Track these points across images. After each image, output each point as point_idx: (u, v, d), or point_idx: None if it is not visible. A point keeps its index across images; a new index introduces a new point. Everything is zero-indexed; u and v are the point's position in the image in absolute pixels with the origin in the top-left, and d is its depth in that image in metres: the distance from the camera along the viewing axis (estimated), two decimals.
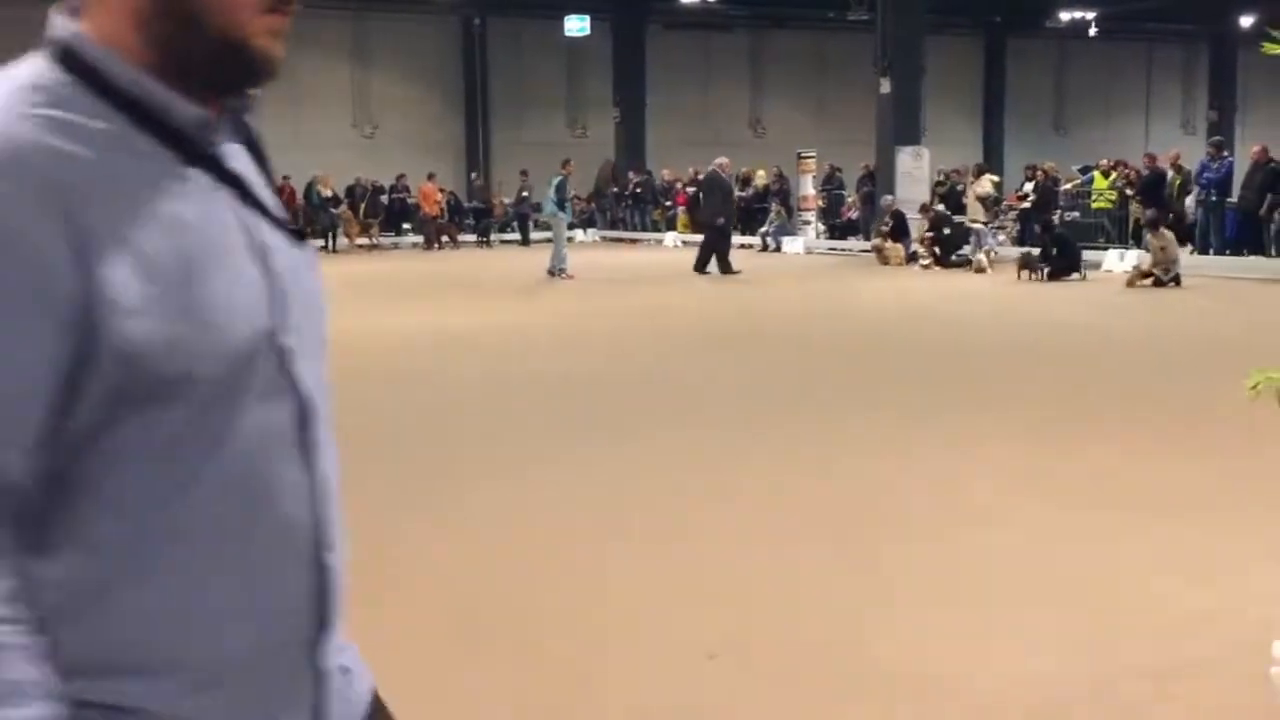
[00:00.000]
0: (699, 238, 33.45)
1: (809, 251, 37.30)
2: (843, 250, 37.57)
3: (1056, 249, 27.25)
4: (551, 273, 29.00)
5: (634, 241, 44.29)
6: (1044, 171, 34.30)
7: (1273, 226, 28.29)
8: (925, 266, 30.53)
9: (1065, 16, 52.63)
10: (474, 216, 45.73)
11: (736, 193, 34.92)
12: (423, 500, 9.09)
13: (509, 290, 26.46)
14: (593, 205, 47.60)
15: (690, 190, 42.25)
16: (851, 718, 5.58)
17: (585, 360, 16.19)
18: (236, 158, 1.88)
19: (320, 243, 42.11)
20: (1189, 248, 29.56)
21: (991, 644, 6.32)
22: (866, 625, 6.65)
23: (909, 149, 35.93)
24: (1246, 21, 47.80)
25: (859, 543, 8.07)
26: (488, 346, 17.55)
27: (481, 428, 11.90)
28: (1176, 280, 24.87)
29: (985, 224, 31.59)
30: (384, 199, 44.25)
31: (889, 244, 32.60)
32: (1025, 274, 26.86)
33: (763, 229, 38.54)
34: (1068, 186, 35.12)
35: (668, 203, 45.39)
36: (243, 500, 1.78)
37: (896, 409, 12.40)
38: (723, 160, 31.21)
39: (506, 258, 37.86)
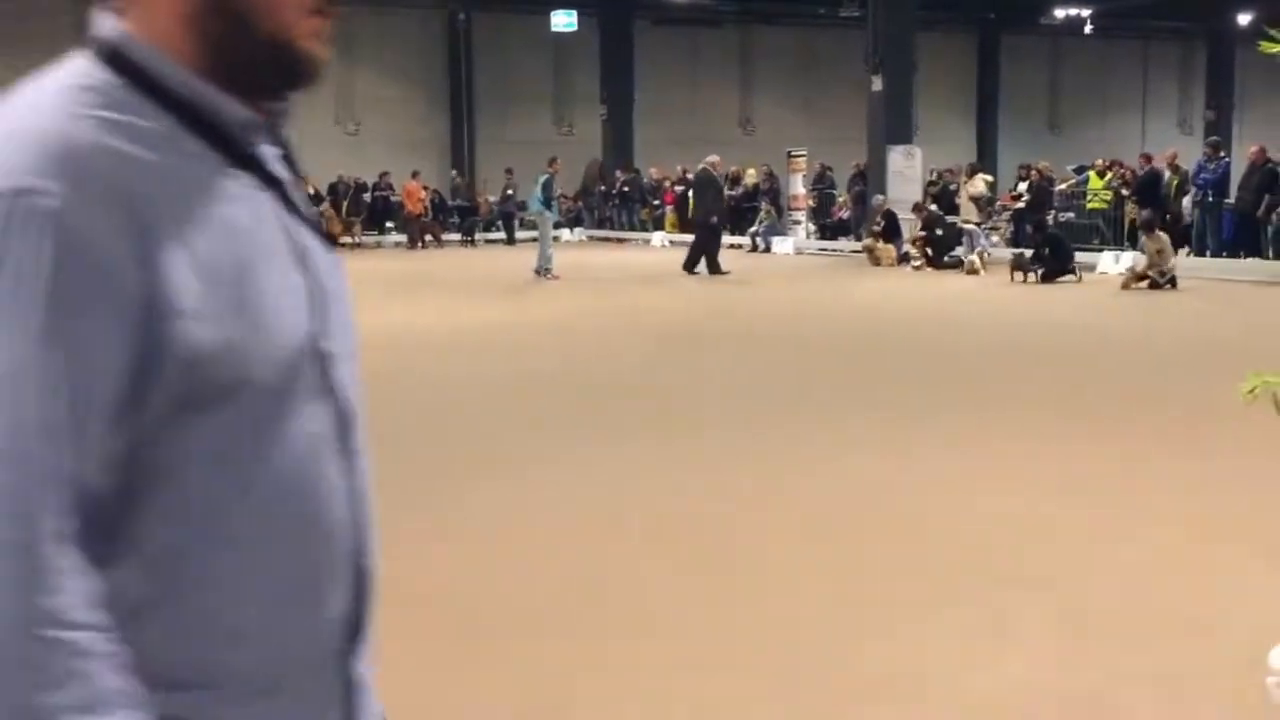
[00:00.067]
0: (687, 237, 33.46)
1: (799, 252, 37.28)
2: (833, 251, 37.54)
3: (1049, 250, 27.26)
4: (539, 272, 28.98)
5: (621, 241, 44.25)
6: (1038, 171, 34.26)
7: (1270, 228, 28.29)
8: (917, 268, 30.54)
9: (1060, 13, 52.65)
10: (458, 215, 45.69)
11: (726, 192, 34.91)
12: (421, 500, 9.13)
13: (495, 290, 26.44)
14: (579, 204, 47.54)
15: (678, 189, 42.24)
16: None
17: (576, 361, 16.23)
18: (274, 160, 1.88)
19: None
20: (1185, 249, 29.62)
21: (988, 648, 6.39)
22: (862, 627, 6.71)
23: (901, 148, 35.96)
24: (1244, 19, 47.75)
25: (855, 544, 8.14)
26: (475, 347, 17.59)
27: (476, 428, 11.95)
28: (1172, 282, 24.89)
29: (978, 224, 31.59)
30: (367, 197, 44.25)
31: (881, 244, 32.63)
32: (1018, 276, 26.85)
33: (752, 229, 38.51)
34: (1062, 187, 35.09)
35: (655, 202, 45.36)
36: (291, 507, 1.80)
37: (891, 410, 12.46)
38: (714, 158, 31.22)
39: (491, 257, 37.80)
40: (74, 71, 1.73)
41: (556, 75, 53.23)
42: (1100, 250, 30.35)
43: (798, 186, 40.40)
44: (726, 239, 32.94)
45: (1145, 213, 27.33)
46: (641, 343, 18.19)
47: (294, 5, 1.81)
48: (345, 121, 49.65)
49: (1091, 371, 15.01)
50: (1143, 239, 26.63)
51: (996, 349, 17.26)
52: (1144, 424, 11.74)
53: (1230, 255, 29.17)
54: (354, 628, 1.91)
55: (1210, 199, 30.01)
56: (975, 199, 31.92)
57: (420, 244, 41.52)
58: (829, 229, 40.62)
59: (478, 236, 44.15)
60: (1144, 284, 24.92)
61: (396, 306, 22.73)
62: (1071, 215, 33.68)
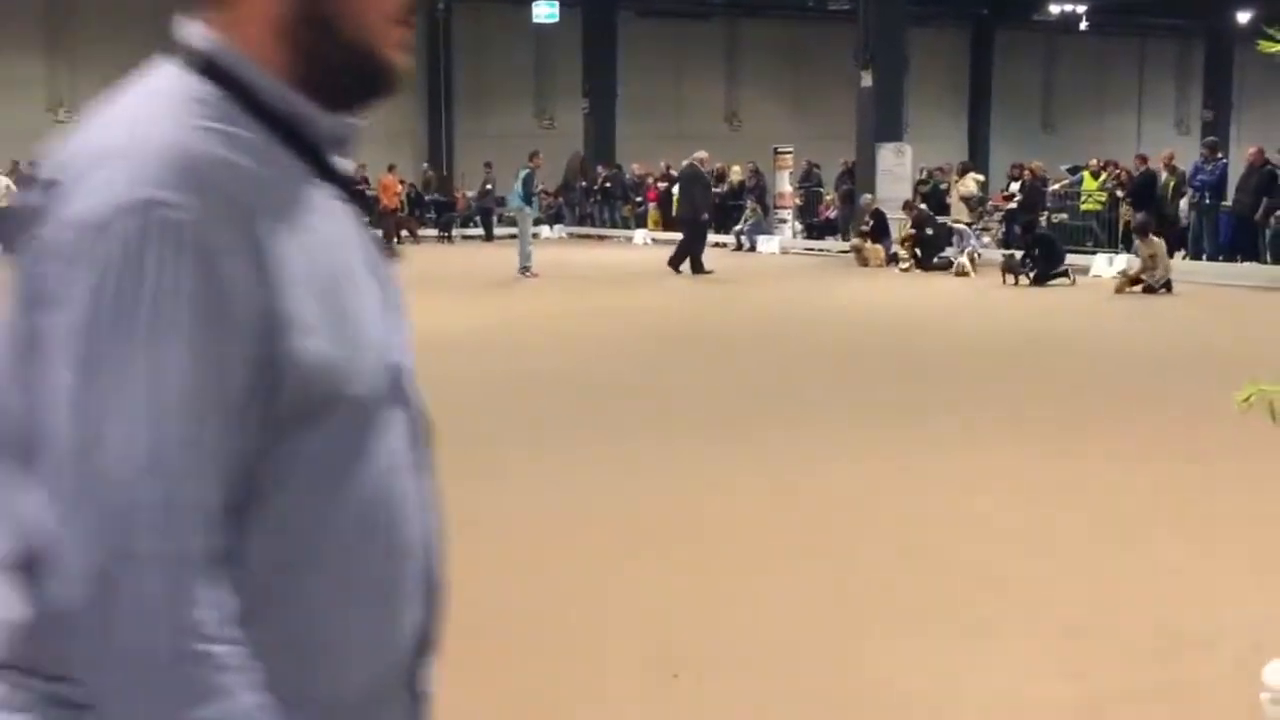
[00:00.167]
0: (670, 235, 33.44)
1: (785, 251, 37.28)
2: (820, 251, 37.55)
3: (1039, 251, 27.28)
4: (523, 271, 28.85)
5: (602, 238, 44.24)
6: (1031, 171, 34.27)
7: (1268, 232, 28.35)
8: (905, 269, 30.54)
9: (1055, 9, 52.78)
10: (435, 210, 45.64)
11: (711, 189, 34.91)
12: None
13: (473, 288, 26.39)
14: (560, 200, 47.51)
15: (662, 186, 42.25)
16: None
17: (553, 361, 16.20)
18: (345, 170, 1.92)
19: None
20: (1181, 252, 29.66)
21: (976, 663, 6.39)
22: (845, 642, 6.71)
23: (890, 145, 35.97)
24: (1244, 17, 47.84)
25: (838, 555, 8.14)
26: (453, 346, 17.54)
27: (453, 429, 11.94)
28: (1168, 287, 24.89)
29: (969, 225, 31.63)
30: None
31: (869, 244, 32.63)
32: (1009, 278, 26.87)
33: (737, 227, 38.50)
34: (1055, 187, 35.12)
35: (638, 199, 45.36)
36: (374, 523, 1.83)
37: (881, 414, 12.46)
38: (701, 154, 31.24)
39: (469, 254, 37.78)
40: (174, 81, 1.78)
41: (538, 67, 53.25)
42: (1094, 253, 30.35)
43: (784, 184, 40.40)
44: (711, 237, 32.91)
45: (1140, 215, 27.33)
46: (623, 344, 18.19)
47: (380, 15, 1.85)
48: None
49: (1083, 378, 15.02)
50: (1136, 243, 26.64)
51: (986, 353, 17.27)
52: (1138, 432, 11.76)
53: (1227, 259, 29.21)
54: (424, 643, 1.97)
55: (1207, 201, 30.06)
56: (966, 199, 31.99)
57: (396, 239, 41.45)
58: (816, 228, 40.66)
59: (455, 233, 44.11)
60: (1138, 288, 24.92)
61: None
62: (1065, 216, 33.68)
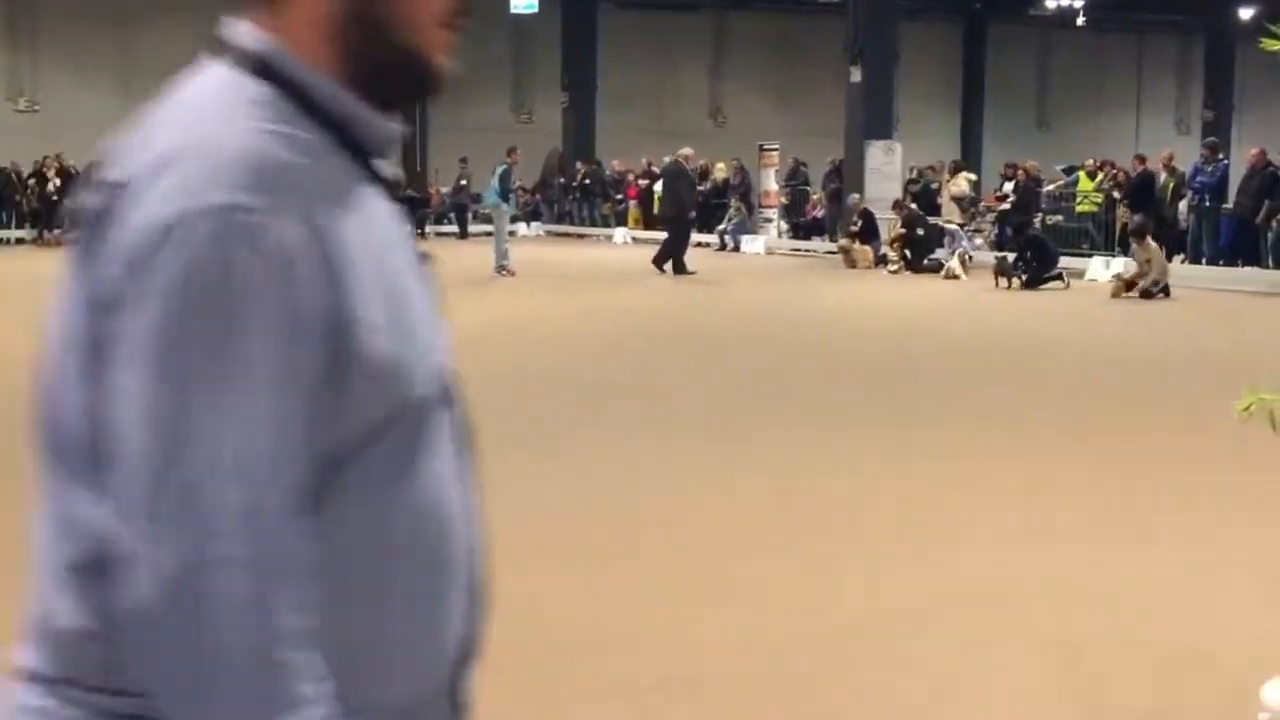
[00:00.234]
0: (650, 234, 33.37)
1: (770, 252, 37.25)
2: (806, 251, 37.55)
3: (1031, 254, 27.32)
4: (500, 270, 28.82)
5: (581, 237, 44.22)
6: (1025, 171, 34.31)
7: (1269, 235, 28.39)
8: (894, 271, 30.56)
9: (1051, 4, 52.74)
10: (408, 206, 45.51)
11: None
12: None
13: (450, 287, 26.13)
14: (538, 197, 47.43)
15: (643, 183, 42.23)
16: None
17: (537, 361, 16.18)
18: (389, 172, 1.97)
19: None
20: (1180, 256, 29.69)
21: (969, 681, 6.40)
22: (832, 657, 6.72)
23: (880, 143, 35.98)
24: (1246, 14, 47.95)
25: (824, 565, 8.14)
26: None
27: None
28: (1165, 291, 24.94)
29: (961, 226, 31.65)
30: None
31: (857, 245, 32.61)
32: (1002, 281, 26.91)
33: (721, 227, 38.47)
34: (1050, 188, 35.15)
35: (618, 196, 45.29)
36: (423, 531, 1.87)
37: (871, 420, 12.48)
38: (687, 151, 31.26)
39: (444, 252, 37.28)
40: (230, 83, 1.82)
41: (516, 59, 53.16)
42: (1090, 256, 30.36)
43: (770, 182, 40.36)
44: (693, 237, 32.88)
45: (1137, 217, 27.36)
46: (611, 344, 18.21)
47: (428, 18, 1.89)
48: None
49: (1077, 386, 15.05)
50: (1133, 247, 26.68)
51: (978, 359, 17.29)
52: (1134, 443, 11.78)
53: (1227, 263, 29.17)
54: (466, 653, 2.00)
55: (1207, 203, 30.08)
56: (957, 199, 31.97)
57: None
58: (802, 228, 40.61)
59: (429, 230, 44.04)
60: (1134, 293, 24.93)
61: None
62: (1060, 218, 33.71)
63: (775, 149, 40.54)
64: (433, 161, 48.83)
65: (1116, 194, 32.31)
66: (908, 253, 30.78)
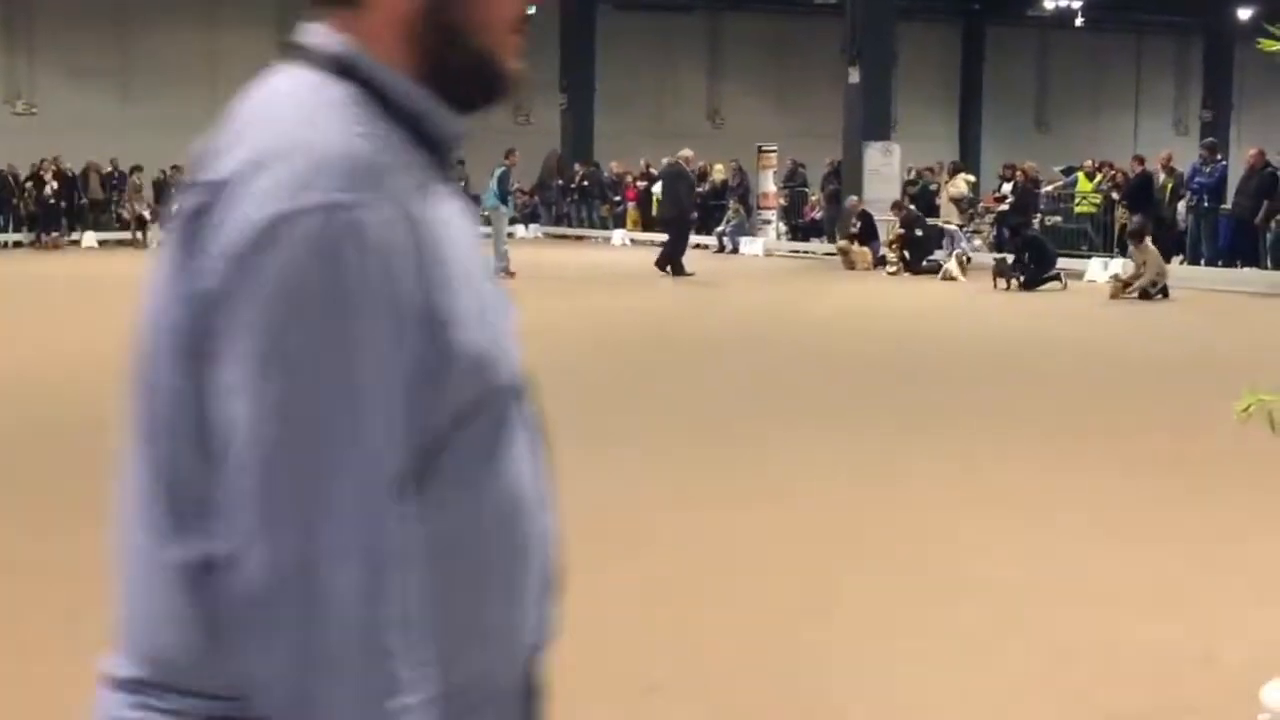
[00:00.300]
0: (649, 236, 33.28)
1: (769, 253, 37.22)
2: (805, 253, 37.53)
3: (1029, 255, 27.31)
4: (503, 273, 28.80)
5: (579, 239, 44.18)
6: (1023, 172, 34.26)
7: (1268, 236, 28.39)
8: (893, 272, 30.54)
9: (1050, 4, 52.77)
10: None
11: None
12: None
13: None
14: (536, 199, 47.37)
15: (641, 185, 42.20)
16: None
17: (527, 364, 16.15)
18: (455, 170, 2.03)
19: None
20: (1179, 257, 29.68)
21: (969, 686, 6.41)
22: (832, 657, 6.73)
23: (878, 144, 35.95)
24: (1244, 14, 47.94)
25: (824, 565, 8.16)
26: None
27: None
28: (1164, 292, 24.95)
29: (960, 227, 31.63)
30: None
31: (856, 247, 32.58)
32: (1000, 282, 26.91)
33: (719, 228, 38.42)
34: (1049, 189, 35.11)
35: (616, 198, 45.23)
36: (504, 518, 1.92)
37: (868, 422, 12.48)
38: (687, 153, 31.24)
39: None
40: (314, 84, 1.86)
41: None
42: (1089, 257, 30.33)
43: (768, 184, 40.31)
44: (692, 238, 32.84)
45: (1136, 218, 27.35)
46: (610, 346, 18.19)
47: (500, 23, 1.94)
48: None
49: (1077, 387, 15.06)
50: (1131, 249, 26.66)
51: (977, 360, 17.30)
52: (1133, 444, 11.79)
53: (1226, 264, 29.17)
54: (541, 640, 2.05)
55: (1206, 204, 30.02)
56: (956, 200, 31.96)
57: None
58: (801, 230, 40.57)
59: None
60: (1133, 293, 24.92)
61: None
62: (1059, 219, 33.64)
63: (773, 150, 40.48)
64: None
65: (1115, 195, 32.24)
66: (906, 254, 30.75)
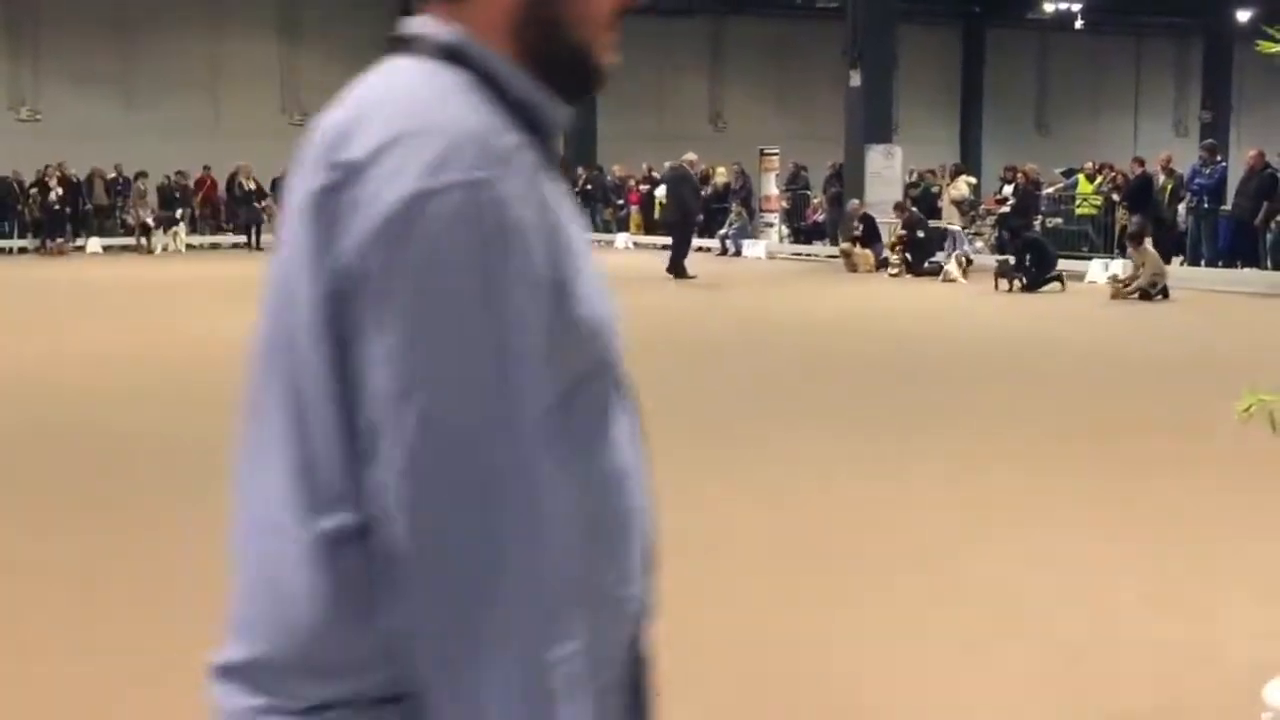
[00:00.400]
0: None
1: (771, 256, 37.25)
2: (808, 255, 37.55)
3: (1030, 256, 27.31)
4: None
5: None
6: (1024, 174, 34.27)
7: (1268, 237, 28.39)
8: (894, 274, 30.54)
9: (1049, 7, 52.87)
10: None
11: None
12: None
13: None
14: None
15: (644, 188, 42.23)
16: None
17: None
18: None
19: (242, 239, 41.96)
20: (1179, 258, 29.68)
21: (969, 682, 6.39)
22: (832, 658, 6.71)
23: (880, 147, 35.99)
24: (1244, 16, 47.95)
25: (825, 566, 8.14)
26: None
27: None
28: (1164, 293, 24.95)
29: (962, 229, 31.63)
30: None
31: (858, 249, 32.59)
32: (1003, 283, 26.90)
33: (722, 231, 38.44)
34: (1050, 191, 35.13)
35: (619, 201, 45.27)
36: (616, 486, 1.97)
37: (871, 424, 12.48)
38: (691, 156, 31.31)
39: None
40: (431, 71, 1.91)
41: None
42: (1089, 258, 30.35)
43: (770, 187, 40.34)
44: (695, 241, 32.84)
45: (1136, 219, 27.34)
46: None
47: (597, 19, 2.02)
48: (291, 110, 49.27)
49: (1079, 389, 15.05)
50: (1130, 250, 26.67)
51: (979, 361, 17.31)
52: (1135, 443, 11.78)
53: (1226, 265, 29.18)
54: (645, 608, 2.07)
55: (1206, 205, 30.03)
56: (957, 203, 31.97)
57: None
58: (803, 232, 40.57)
59: None
60: (1133, 293, 24.90)
61: None
62: (1060, 221, 33.67)
63: (775, 153, 40.51)
64: None
65: (1115, 196, 32.25)
66: (908, 256, 30.75)
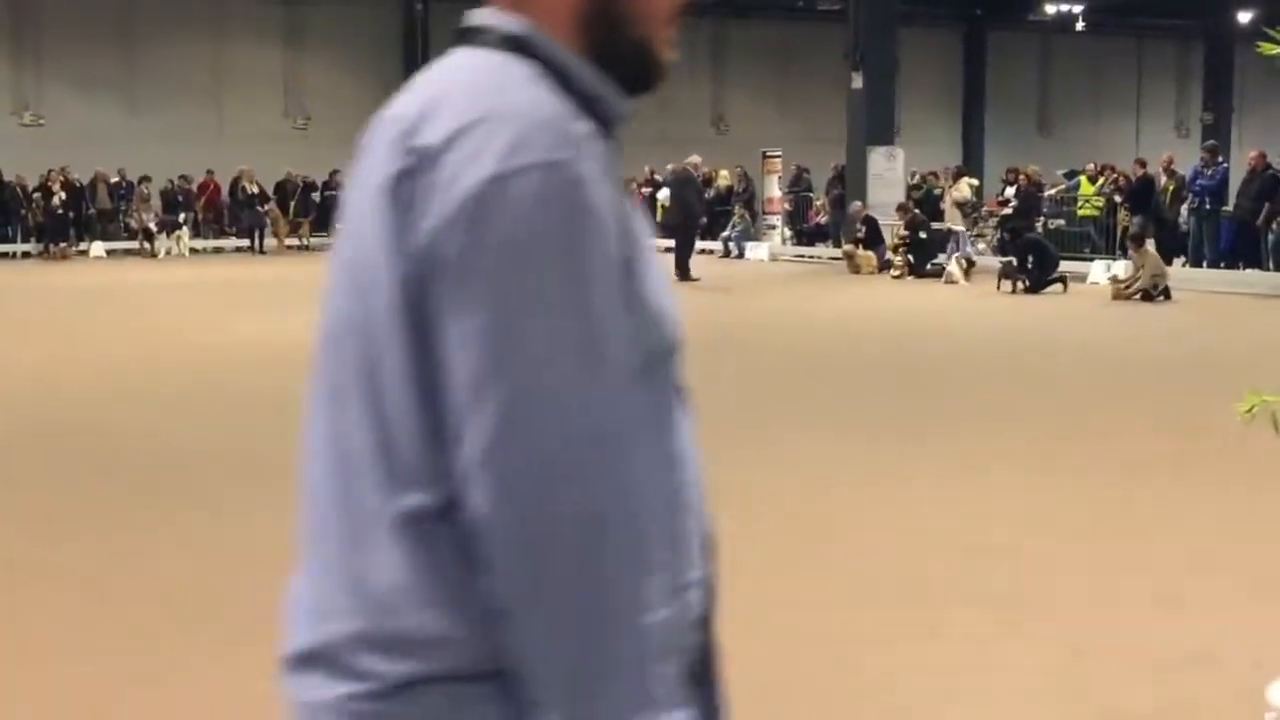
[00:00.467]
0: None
1: (774, 258, 37.29)
2: (810, 258, 37.56)
3: (1033, 258, 27.31)
4: None
5: None
6: (1026, 175, 34.25)
7: (1270, 238, 28.35)
8: (897, 276, 30.54)
9: (1050, 9, 52.84)
10: None
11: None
12: None
13: None
14: None
15: (646, 191, 42.25)
16: None
17: None
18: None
19: (245, 243, 41.98)
20: (1181, 259, 29.68)
21: (970, 681, 6.39)
22: (832, 658, 6.71)
23: (882, 149, 36.01)
24: (1245, 17, 47.93)
25: (825, 566, 8.14)
26: None
27: None
28: (1166, 294, 24.96)
29: (964, 230, 31.62)
30: (316, 196, 43.87)
31: (861, 251, 32.60)
32: (1005, 285, 26.90)
33: (724, 234, 38.46)
34: (1052, 192, 35.14)
35: None
36: (679, 469, 2.02)
37: (874, 426, 12.47)
38: (695, 159, 31.35)
39: None
40: (500, 60, 1.94)
41: None
42: (1091, 259, 30.36)
43: (773, 189, 40.41)
44: (698, 244, 32.84)
45: (1137, 220, 27.33)
46: None
47: (658, 16, 2.05)
48: (294, 115, 49.45)
49: (1081, 389, 15.05)
50: (1131, 252, 26.67)
51: (981, 362, 17.30)
52: (1136, 443, 11.78)
53: (1228, 266, 29.21)
54: (710, 593, 2.10)
55: (1207, 206, 30.03)
56: (960, 204, 31.99)
57: None
58: (806, 234, 40.58)
59: None
60: (1136, 295, 24.89)
61: None
62: (1062, 222, 33.68)
63: (778, 156, 40.57)
64: None
65: (1117, 198, 32.31)
66: (911, 258, 30.74)
